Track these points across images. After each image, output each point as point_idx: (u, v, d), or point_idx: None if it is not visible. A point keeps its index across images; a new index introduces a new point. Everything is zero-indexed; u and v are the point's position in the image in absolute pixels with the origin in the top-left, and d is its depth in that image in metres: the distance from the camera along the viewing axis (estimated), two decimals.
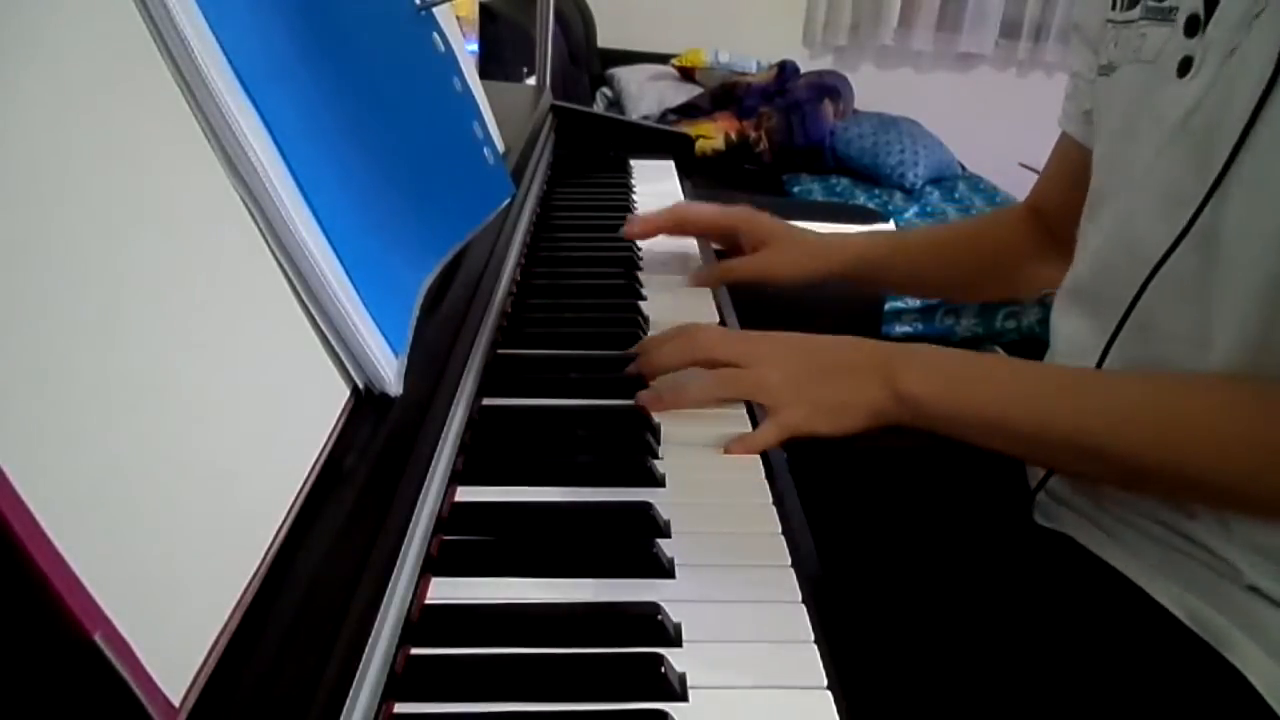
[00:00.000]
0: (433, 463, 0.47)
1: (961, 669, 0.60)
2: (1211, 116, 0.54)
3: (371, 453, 0.40)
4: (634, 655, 0.39)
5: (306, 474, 0.36)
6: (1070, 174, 0.75)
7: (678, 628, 0.41)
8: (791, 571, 0.45)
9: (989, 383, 0.58)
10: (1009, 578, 0.62)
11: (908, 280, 0.97)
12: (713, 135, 2.61)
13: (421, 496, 0.44)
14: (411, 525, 0.42)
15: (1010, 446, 0.59)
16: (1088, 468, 0.60)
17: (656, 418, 0.57)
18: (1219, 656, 0.54)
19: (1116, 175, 0.65)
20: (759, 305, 0.81)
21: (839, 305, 1.46)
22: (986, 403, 0.56)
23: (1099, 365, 0.64)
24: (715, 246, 0.91)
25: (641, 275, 0.81)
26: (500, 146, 0.79)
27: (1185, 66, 0.56)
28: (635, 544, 0.46)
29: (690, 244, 0.92)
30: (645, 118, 2.72)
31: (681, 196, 1.08)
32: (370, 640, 0.35)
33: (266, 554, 0.32)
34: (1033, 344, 1.97)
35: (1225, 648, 0.54)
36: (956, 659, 0.60)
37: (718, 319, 0.75)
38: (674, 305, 0.75)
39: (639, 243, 0.90)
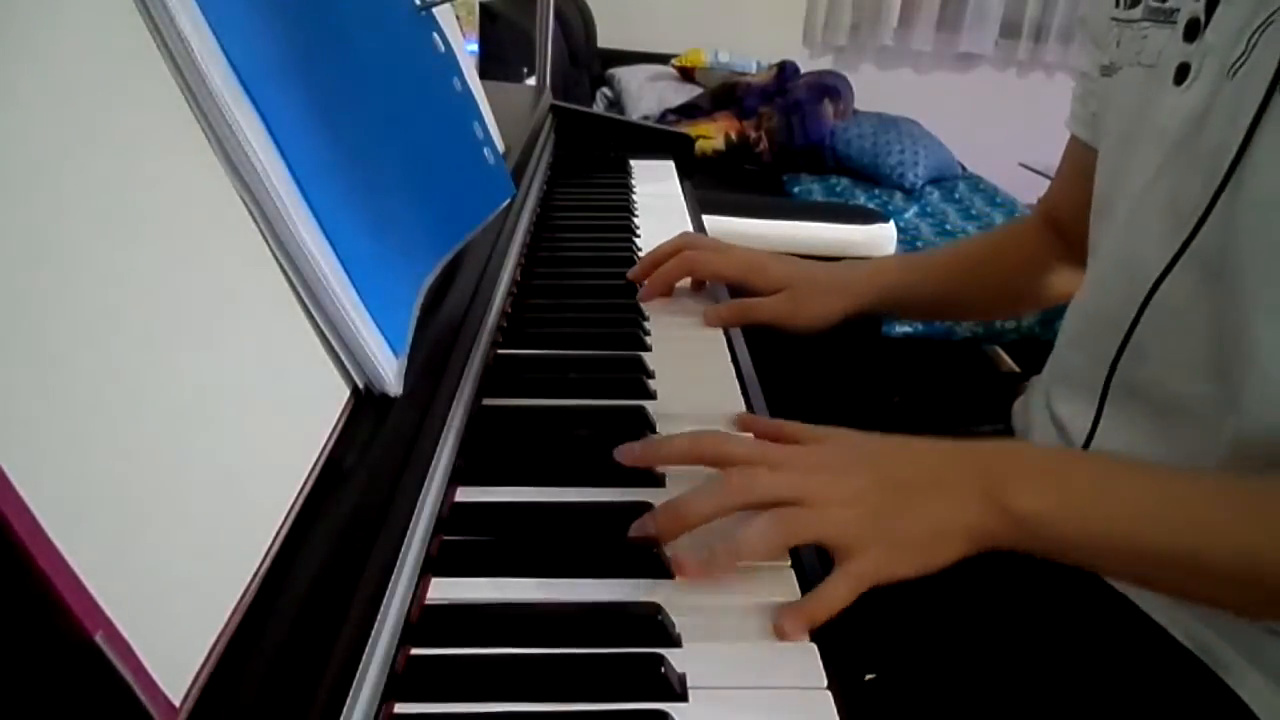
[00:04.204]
0: (433, 463, 0.47)
1: (961, 673, 0.59)
2: (1218, 133, 0.52)
3: (371, 453, 0.40)
4: (635, 655, 0.39)
5: (306, 474, 0.36)
6: (1082, 179, 0.72)
7: (678, 628, 0.41)
8: (791, 572, 0.45)
9: (1112, 488, 0.48)
10: (1013, 585, 0.61)
11: (928, 308, 0.92)
12: (713, 135, 2.61)
13: (421, 496, 0.44)
14: (411, 525, 0.42)
15: (1150, 573, 0.49)
16: (1241, 596, 0.48)
17: (657, 418, 0.57)
18: (1223, 685, 0.54)
19: (1118, 188, 0.62)
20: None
21: None
22: (1116, 517, 0.46)
23: (1103, 393, 0.61)
24: None
25: None
26: (500, 146, 0.79)
27: (1182, 74, 0.55)
28: (635, 543, 0.46)
29: None
30: (645, 118, 2.72)
31: (681, 196, 1.08)
32: (370, 640, 0.35)
33: (266, 554, 0.32)
34: (1033, 344, 1.97)
35: (1230, 677, 0.53)
36: (956, 663, 0.60)
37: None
38: (673, 305, 0.75)
39: (641, 240, 0.90)
